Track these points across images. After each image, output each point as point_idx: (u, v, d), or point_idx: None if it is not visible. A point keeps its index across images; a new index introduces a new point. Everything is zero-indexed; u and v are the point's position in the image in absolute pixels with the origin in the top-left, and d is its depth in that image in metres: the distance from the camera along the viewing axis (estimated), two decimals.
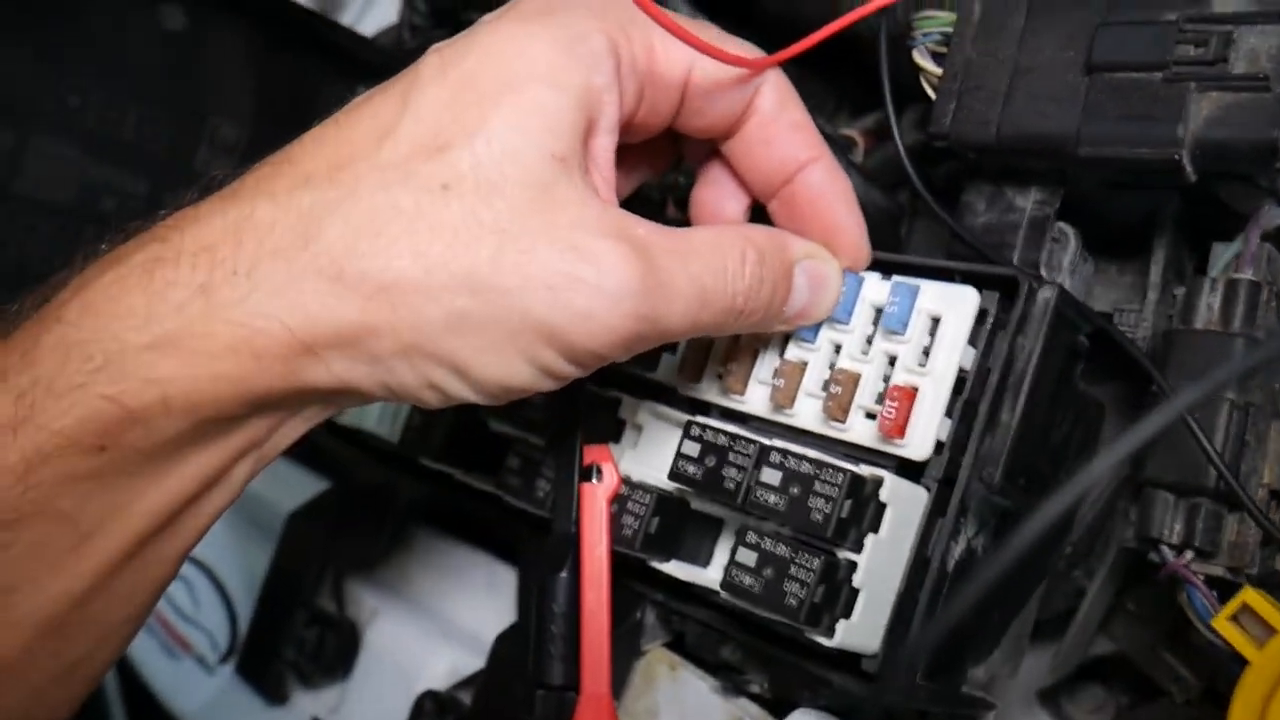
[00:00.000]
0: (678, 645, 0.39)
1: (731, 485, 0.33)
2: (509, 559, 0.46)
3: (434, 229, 0.27)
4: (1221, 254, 0.34)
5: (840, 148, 0.43)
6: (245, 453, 0.30)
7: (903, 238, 0.48)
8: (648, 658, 0.39)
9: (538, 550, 0.41)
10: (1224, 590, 0.33)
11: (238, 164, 0.51)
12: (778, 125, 0.33)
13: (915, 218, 0.51)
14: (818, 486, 0.31)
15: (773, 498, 0.32)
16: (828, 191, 0.34)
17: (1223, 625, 0.28)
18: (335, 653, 0.46)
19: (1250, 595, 0.28)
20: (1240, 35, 0.29)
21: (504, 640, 0.40)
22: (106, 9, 0.48)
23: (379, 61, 0.55)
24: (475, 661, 0.43)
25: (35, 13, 0.47)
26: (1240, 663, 0.29)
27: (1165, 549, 0.33)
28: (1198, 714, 0.41)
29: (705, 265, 0.30)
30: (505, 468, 0.40)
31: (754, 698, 0.37)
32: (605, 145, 0.31)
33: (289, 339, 0.27)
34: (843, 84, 0.61)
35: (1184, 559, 0.32)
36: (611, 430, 0.38)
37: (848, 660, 0.32)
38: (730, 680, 0.37)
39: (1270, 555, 0.33)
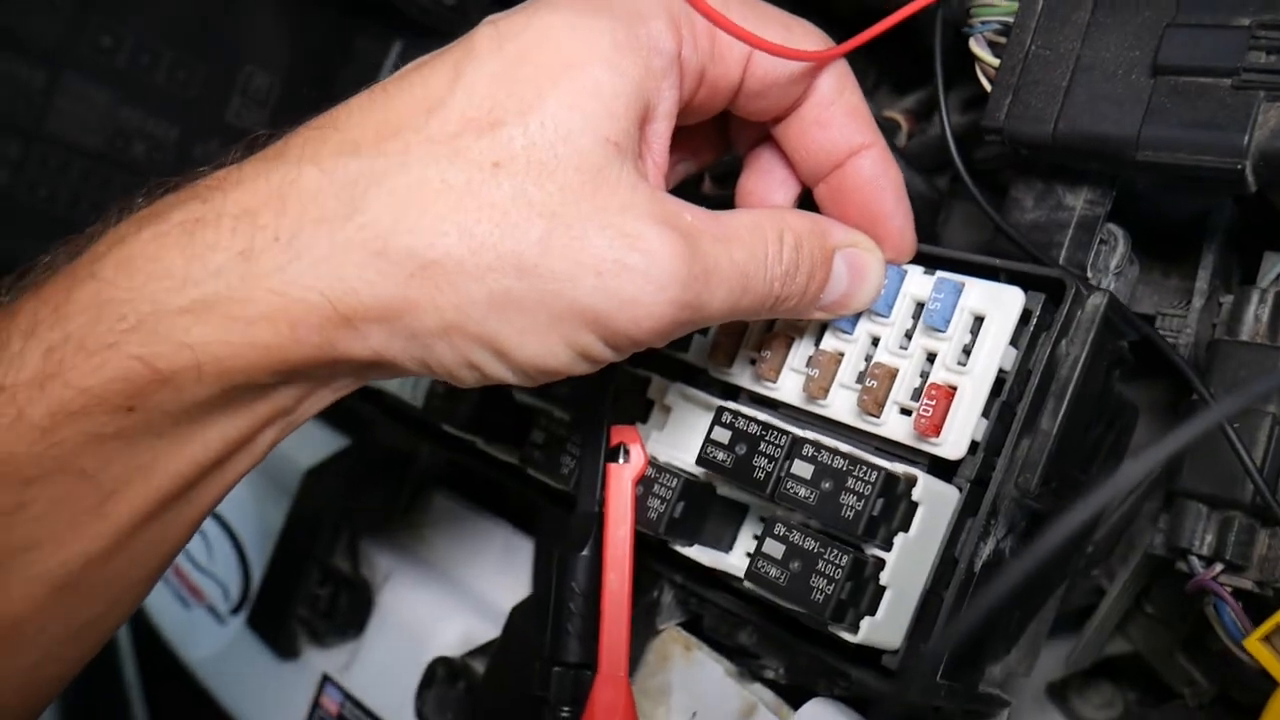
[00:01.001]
0: (694, 626, 0.39)
1: (761, 475, 0.32)
2: (526, 529, 0.46)
3: (483, 207, 0.26)
4: (1273, 264, 0.33)
5: (885, 130, 0.42)
6: (273, 420, 0.29)
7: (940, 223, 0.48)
8: (662, 637, 0.39)
9: (557, 524, 0.41)
10: (1250, 602, 0.32)
11: (269, 114, 0.50)
12: (834, 109, 0.33)
13: (953, 200, 0.50)
14: (850, 483, 0.31)
15: (803, 491, 0.31)
16: (879, 179, 0.33)
17: (1255, 646, 0.28)
18: (348, 611, 0.46)
19: None
20: None
21: (519, 612, 0.40)
22: None
23: (416, 15, 0.54)
24: (488, 630, 0.43)
25: None
26: (1270, 682, 0.28)
27: (1195, 560, 0.33)
28: (1209, 719, 0.41)
29: (747, 251, 0.29)
30: (530, 441, 0.39)
31: (769, 684, 0.37)
32: (661, 131, 0.30)
33: (328, 311, 0.26)
34: (883, 60, 0.60)
35: (1213, 571, 0.32)
36: (639, 410, 0.38)
37: (868, 655, 0.32)
38: (746, 665, 0.37)
39: None
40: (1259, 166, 0.29)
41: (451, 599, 0.45)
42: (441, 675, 0.41)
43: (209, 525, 0.56)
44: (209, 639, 0.54)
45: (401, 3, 0.54)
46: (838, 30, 0.34)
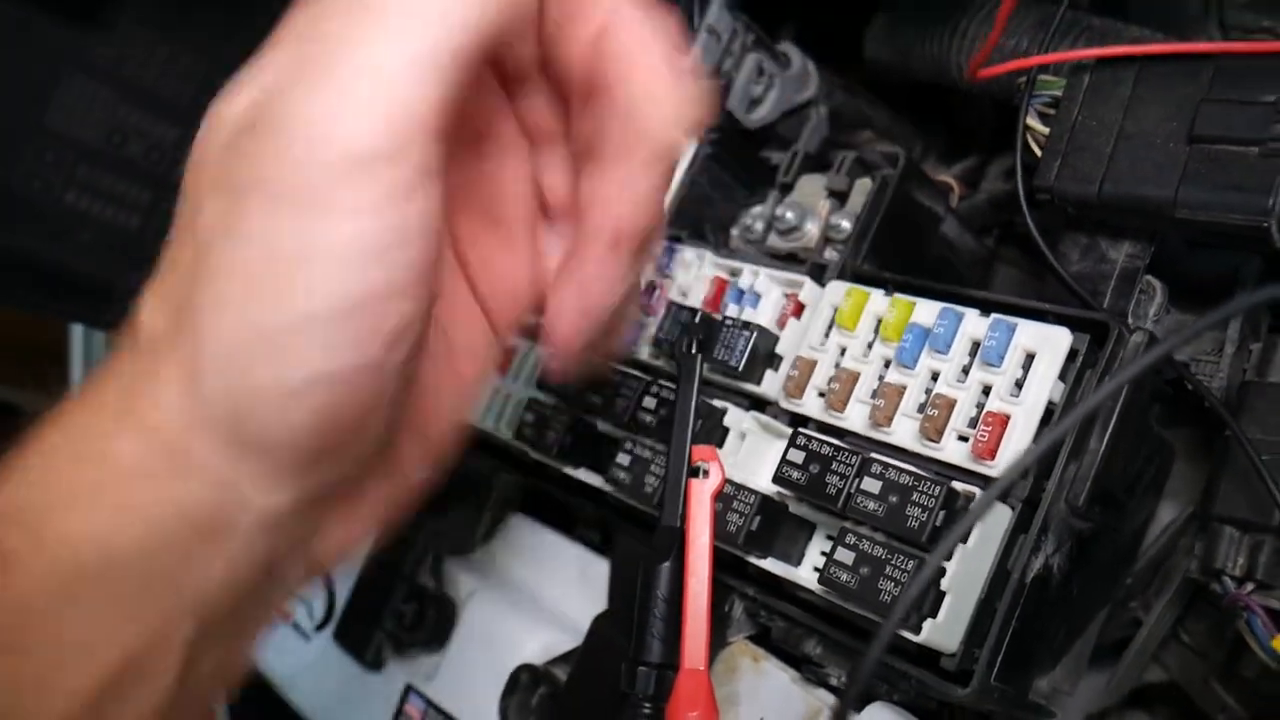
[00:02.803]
0: (762, 639, 0.42)
1: (833, 491, 0.36)
2: (599, 551, 0.50)
3: None
4: None
5: (940, 194, 0.47)
6: None
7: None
8: (731, 649, 0.43)
9: (634, 541, 0.44)
10: (1278, 620, 0.35)
11: None
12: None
13: (997, 264, 0.54)
14: (915, 496, 0.34)
15: (872, 504, 0.35)
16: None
17: None
18: (433, 625, 0.49)
19: None
20: None
21: (601, 620, 0.44)
22: (271, 26, 0.53)
23: None
24: (567, 641, 0.46)
25: (207, 25, 0.51)
26: None
27: (1228, 580, 0.36)
28: None
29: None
30: (615, 464, 0.43)
31: (832, 689, 0.40)
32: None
33: None
34: (929, 134, 0.64)
35: (1246, 589, 0.35)
36: (717, 436, 0.42)
37: (927, 658, 0.35)
38: (811, 673, 0.40)
39: None
40: None
41: (531, 613, 0.48)
42: (525, 681, 0.44)
43: None
44: (294, 654, 0.57)
45: None
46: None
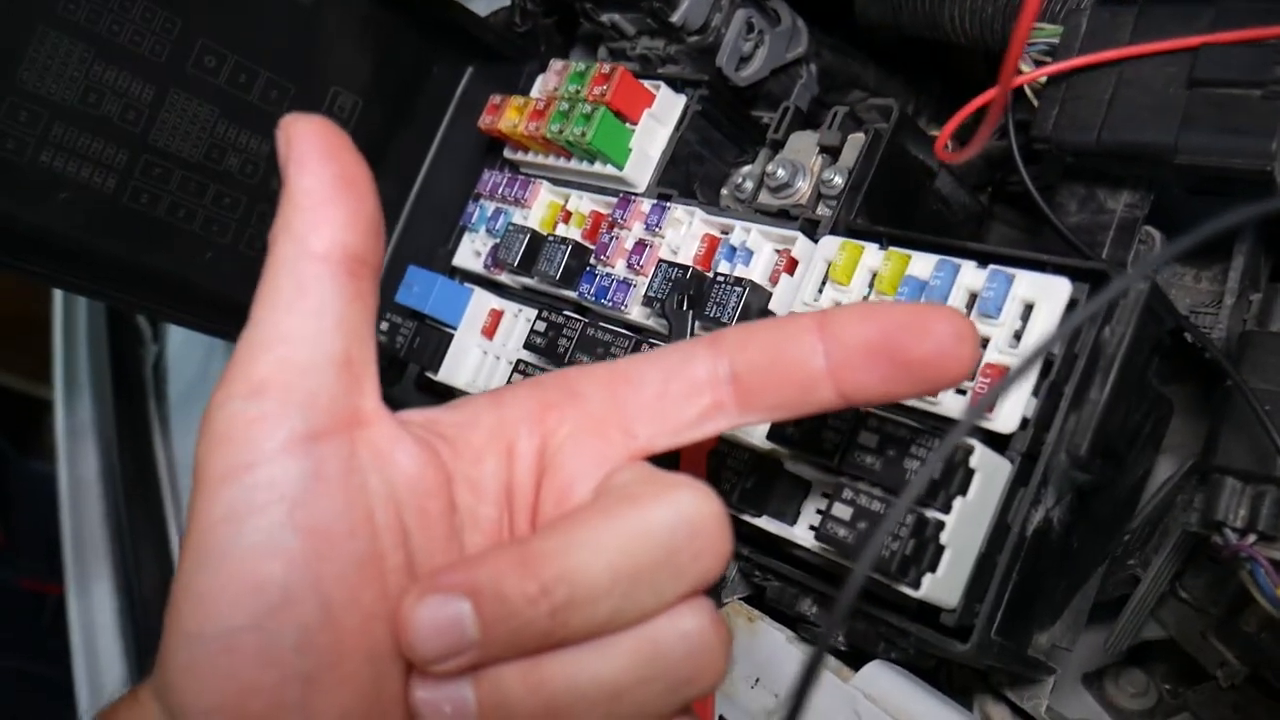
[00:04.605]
0: (756, 600, 0.42)
1: (830, 446, 0.35)
2: None
3: None
4: None
5: (919, 136, 0.46)
6: None
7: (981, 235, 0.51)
8: (725, 609, 0.42)
9: None
10: None
11: (350, 130, 0.54)
12: None
13: (991, 221, 0.54)
14: (913, 449, 0.34)
15: (869, 459, 0.34)
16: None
17: None
18: None
19: None
20: None
21: None
22: None
23: (489, 41, 0.58)
24: None
25: None
26: None
27: (1230, 532, 0.35)
28: (1239, 699, 0.43)
29: None
30: None
31: (830, 649, 0.39)
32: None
33: None
34: (921, 90, 0.64)
35: (1248, 541, 0.35)
36: None
37: (927, 614, 0.35)
38: (807, 632, 0.40)
39: None
40: None
41: None
42: None
43: None
44: None
45: (476, 30, 0.58)
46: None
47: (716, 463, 0.38)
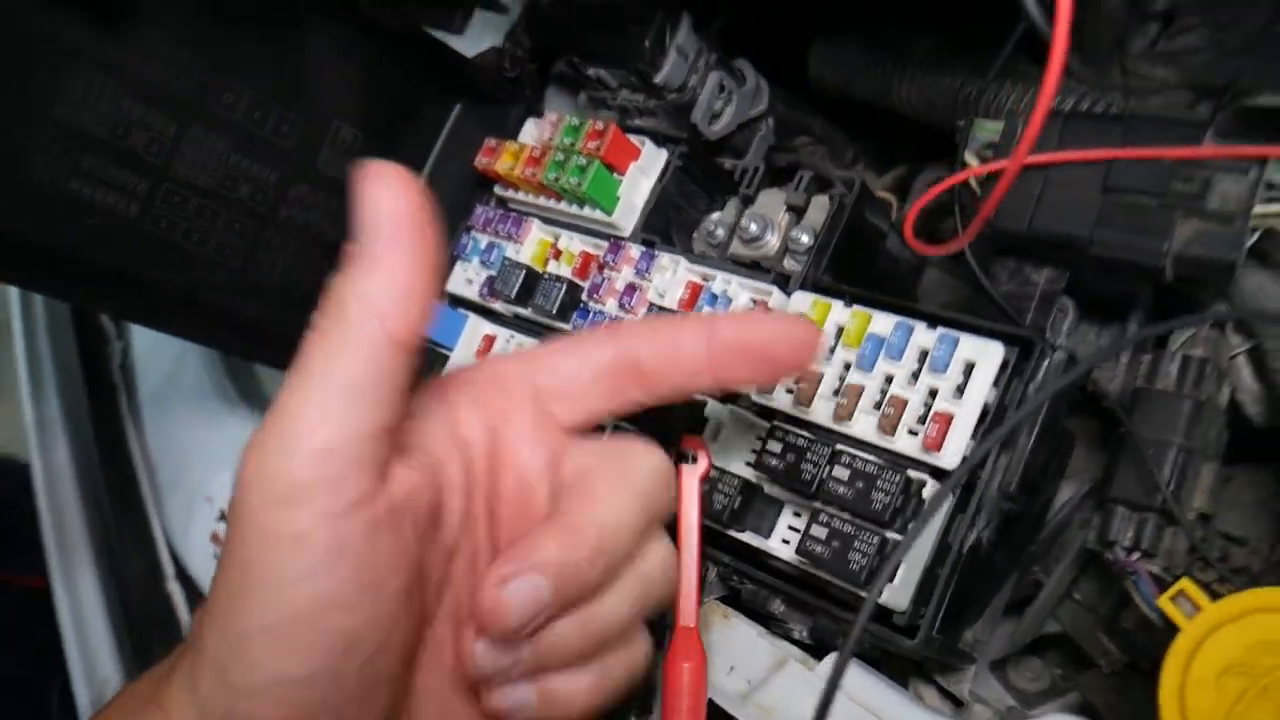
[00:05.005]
0: (732, 600, 0.49)
1: (808, 477, 0.43)
2: None
3: None
4: (1181, 334, 0.45)
5: (884, 212, 0.54)
6: None
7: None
8: (705, 607, 0.49)
9: None
10: (1155, 582, 0.44)
11: (350, 162, 0.59)
12: None
13: (925, 270, 0.62)
14: (878, 483, 0.41)
15: (842, 489, 0.42)
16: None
17: (1165, 603, 0.39)
18: None
19: (1185, 583, 0.39)
20: (1216, 179, 0.40)
21: None
22: (266, 28, 0.56)
23: (478, 82, 0.64)
24: None
25: (209, 25, 0.54)
26: (1172, 632, 0.39)
27: (1119, 550, 0.44)
28: (1119, 683, 0.52)
29: None
30: None
31: (795, 642, 0.47)
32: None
33: None
34: (864, 140, 0.71)
35: (1133, 557, 0.43)
36: (698, 426, 0.48)
37: (882, 615, 0.42)
38: (776, 628, 0.47)
39: (1194, 560, 0.44)
40: (1175, 263, 0.41)
41: None
42: None
43: None
44: None
45: (466, 72, 0.64)
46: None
47: (710, 488, 0.45)
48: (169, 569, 0.71)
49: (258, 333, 0.60)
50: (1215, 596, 0.38)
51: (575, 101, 0.68)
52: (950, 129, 0.54)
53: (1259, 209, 0.40)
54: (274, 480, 0.29)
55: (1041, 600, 0.51)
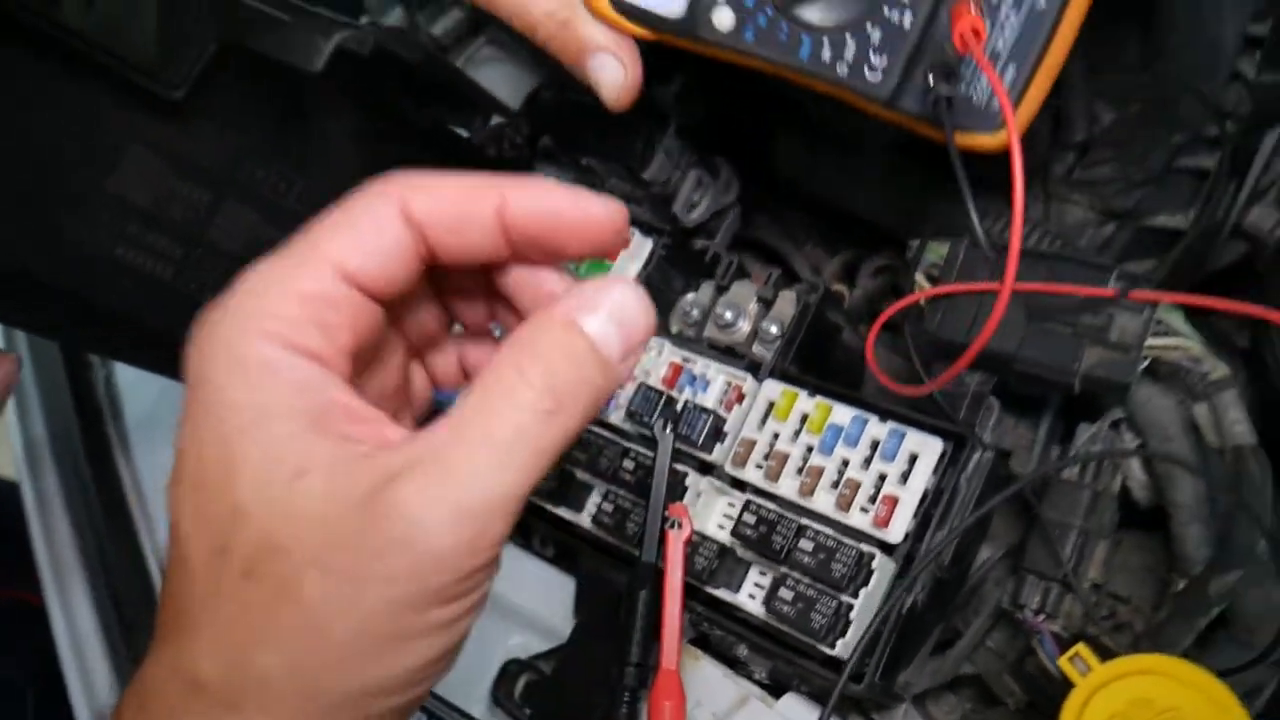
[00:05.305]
0: (701, 643, 0.57)
1: (778, 547, 0.51)
2: (553, 564, 0.63)
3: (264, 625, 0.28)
4: (1083, 432, 0.54)
5: (841, 310, 0.62)
6: None
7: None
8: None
9: (600, 565, 0.57)
10: (1057, 641, 0.53)
11: None
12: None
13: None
14: (838, 555, 0.49)
15: (806, 559, 0.50)
16: (539, 202, 0.33)
17: (1064, 663, 0.48)
18: None
19: (1081, 647, 0.48)
20: (1118, 316, 0.49)
21: (581, 626, 0.57)
22: (303, 116, 0.62)
23: (481, 162, 0.71)
24: (543, 641, 0.59)
25: (253, 115, 0.60)
26: (1068, 686, 0.48)
27: (1028, 611, 0.53)
28: (1022, 719, 0.61)
29: (487, 423, 0.29)
30: (600, 510, 0.56)
31: (756, 682, 0.55)
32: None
33: None
34: (815, 222, 0.80)
35: (1039, 619, 0.52)
36: (679, 493, 0.55)
37: (833, 663, 0.50)
38: (740, 670, 0.55)
39: (1088, 621, 0.54)
40: (1083, 380, 0.50)
41: (511, 618, 0.61)
42: (514, 670, 0.57)
43: None
44: None
45: (466, 151, 0.70)
46: None
47: (692, 551, 0.53)
48: (160, 587, 0.75)
49: None
50: (1105, 654, 0.47)
51: (562, 179, 0.75)
52: (893, 229, 0.64)
53: (1150, 341, 0.49)
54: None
55: (960, 647, 0.60)
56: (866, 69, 0.44)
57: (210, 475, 0.29)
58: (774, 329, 0.59)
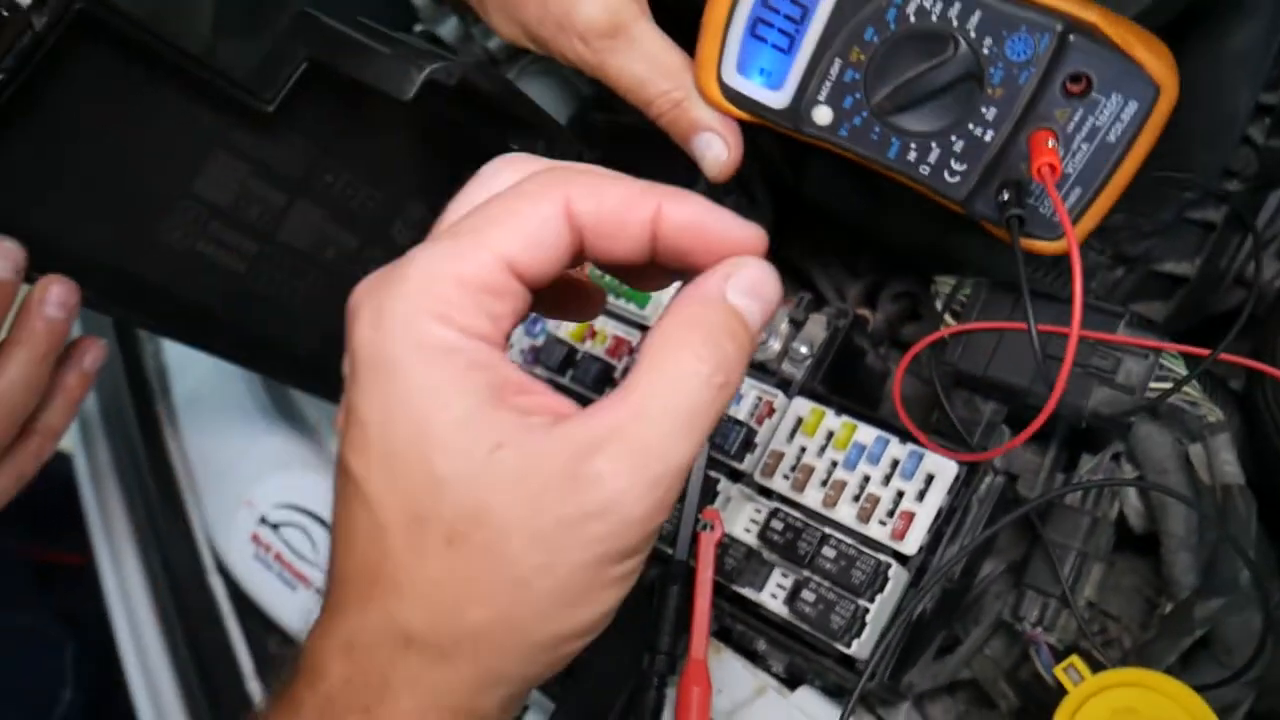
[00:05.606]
0: (723, 636, 0.61)
1: (803, 552, 0.55)
2: None
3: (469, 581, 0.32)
4: (1086, 462, 0.59)
5: (866, 334, 0.67)
6: None
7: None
8: None
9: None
10: (1052, 651, 0.57)
11: (420, 233, 0.70)
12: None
13: (888, 377, 0.75)
14: (857, 563, 0.54)
15: (828, 565, 0.54)
16: (692, 216, 0.35)
17: (1058, 672, 0.53)
18: None
19: (1074, 658, 0.52)
20: (1125, 359, 0.54)
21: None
22: (376, 127, 0.66)
23: None
24: None
25: (329, 126, 0.64)
26: (1061, 693, 0.53)
27: (1027, 623, 0.58)
28: None
29: (670, 397, 0.32)
30: None
31: (773, 675, 0.59)
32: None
33: None
34: (837, 246, 0.84)
35: (1038, 630, 0.57)
36: (710, 497, 0.60)
37: (847, 661, 0.55)
38: (759, 662, 0.60)
39: (1081, 635, 0.58)
40: (1090, 416, 0.55)
41: None
42: None
43: (314, 525, 0.75)
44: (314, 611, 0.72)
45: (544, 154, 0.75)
46: None
47: (721, 553, 0.57)
48: (209, 562, 0.80)
49: (316, 370, 0.70)
50: (1097, 666, 0.52)
51: None
52: (922, 256, 0.68)
53: (1152, 384, 0.54)
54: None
55: (961, 653, 0.65)
56: (947, 173, 0.49)
57: (402, 448, 0.32)
58: (804, 349, 0.63)
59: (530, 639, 0.33)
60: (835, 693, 0.58)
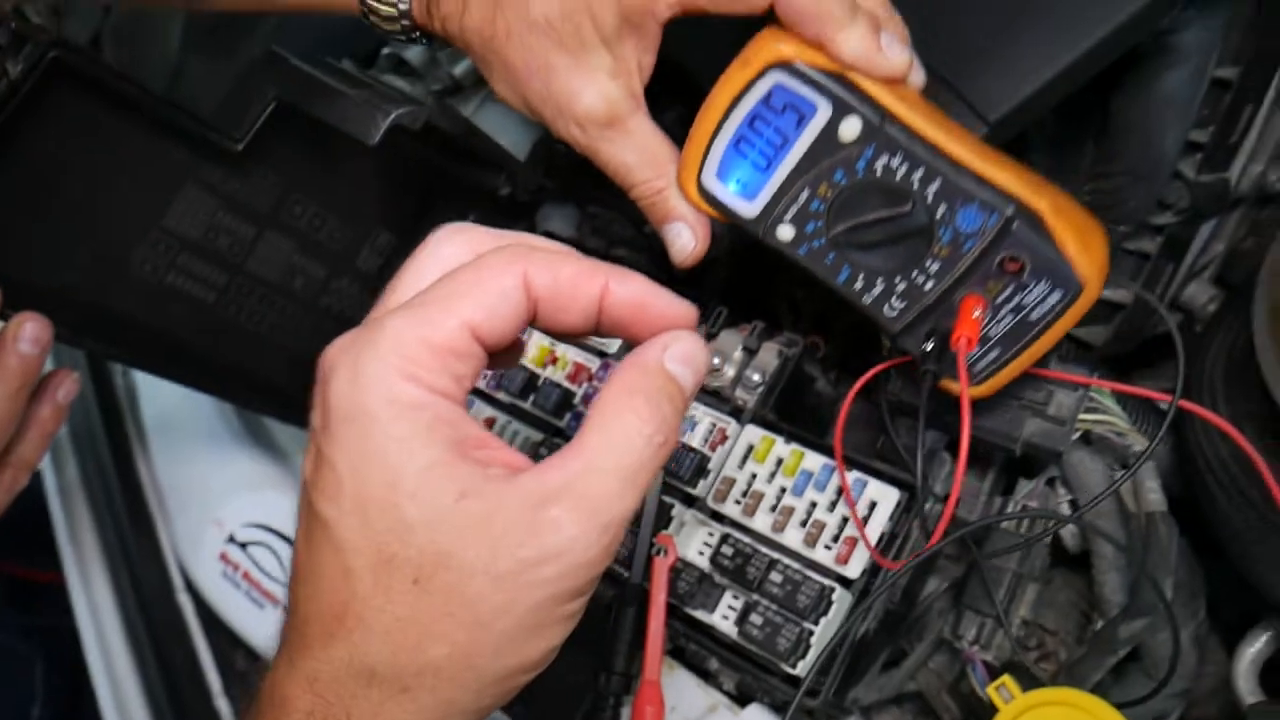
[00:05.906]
0: (677, 655, 0.64)
1: (752, 577, 0.58)
2: None
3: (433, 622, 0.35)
4: (1023, 487, 0.62)
5: (816, 362, 0.69)
6: None
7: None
8: None
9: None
10: (988, 668, 0.60)
11: (385, 260, 0.72)
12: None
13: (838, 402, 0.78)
14: (803, 587, 0.57)
15: (775, 589, 0.57)
16: (635, 294, 0.39)
17: (990, 691, 0.56)
18: None
19: (1006, 678, 0.55)
20: (1056, 393, 0.57)
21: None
22: (345, 161, 0.68)
23: (492, 203, 0.77)
24: None
25: (298, 160, 0.66)
26: (994, 710, 0.56)
27: (964, 641, 0.61)
28: None
29: (617, 455, 0.36)
30: None
31: (724, 692, 0.62)
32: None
33: None
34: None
35: (974, 649, 0.60)
36: (664, 522, 0.63)
37: (793, 680, 0.58)
38: (711, 681, 0.62)
39: (1016, 651, 0.61)
40: (1023, 445, 0.58)
41: None
42: None
43: (282, 545, 0.77)
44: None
45: (493, 196, 0.77)
46: None
47: (675, 576, 0.60)
48: (178, 581, 0.82)
49: (285, 397, 0.72)
50: (1031, 681, 0.55)
51: (567, 218, 0.82)
52: None
53: (1082, 416, 0.57)
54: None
55: (905, 667, 0.68)
56: (886, 307, 0.53)
57: (375, 494, 0.34)
58: (756, 376, 0.66)
59: (485, 673, 0.36)
60: (784, 710, 0.61)
